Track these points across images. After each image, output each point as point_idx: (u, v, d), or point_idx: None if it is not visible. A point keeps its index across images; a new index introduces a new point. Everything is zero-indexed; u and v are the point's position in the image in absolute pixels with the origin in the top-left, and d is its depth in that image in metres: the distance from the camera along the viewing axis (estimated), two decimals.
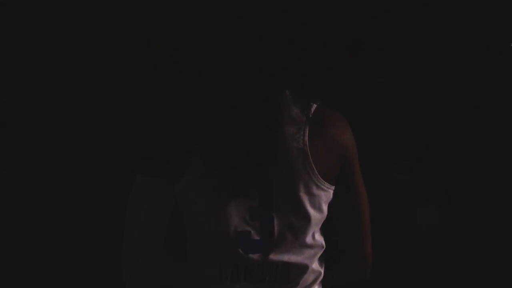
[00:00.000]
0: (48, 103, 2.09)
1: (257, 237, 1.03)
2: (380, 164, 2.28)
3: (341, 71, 2.04)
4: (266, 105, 1.01)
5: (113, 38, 2.07)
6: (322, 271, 1.14)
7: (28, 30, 2.10)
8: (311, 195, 1.04)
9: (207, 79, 1.04)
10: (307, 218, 1.05)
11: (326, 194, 1.07)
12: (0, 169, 2.07)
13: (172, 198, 1.03)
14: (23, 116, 2.11)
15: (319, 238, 1.12)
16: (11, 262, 2.06)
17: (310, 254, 1.09)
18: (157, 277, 1.06)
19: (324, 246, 1.13)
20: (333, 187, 1.08)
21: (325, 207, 1.09)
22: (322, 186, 1.06)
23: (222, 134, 1.00)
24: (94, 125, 2.04)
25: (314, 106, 1.08)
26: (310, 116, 1.05)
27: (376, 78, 2.23)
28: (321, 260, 1.14)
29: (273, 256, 1.04)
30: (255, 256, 1.04)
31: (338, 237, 1.15)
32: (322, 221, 1.11)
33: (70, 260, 2.12)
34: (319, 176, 1.04)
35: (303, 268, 1.08)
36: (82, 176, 2.12)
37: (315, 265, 1.11)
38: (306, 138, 1.04)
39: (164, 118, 1.02)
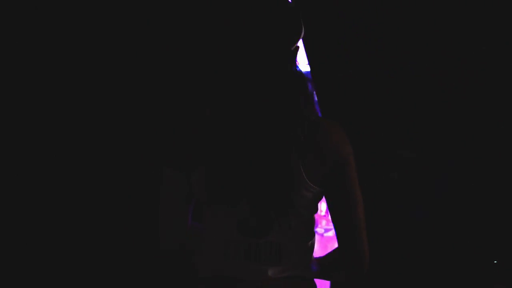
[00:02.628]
0: (58, 104, 2.13)
1: (254, 224, 1.23)
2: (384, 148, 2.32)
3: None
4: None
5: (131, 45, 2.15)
6: (312, 254, 1.35)
7: (27, 30, 2.11)
8: (301, 196, 1.21)
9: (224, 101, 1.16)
10: (297, 214, 1.24)
11: (314, 194, 1.24)
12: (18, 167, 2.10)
13: (190, 185, 1.25)
14: (34, 116, 2.13)
15: (310, 228, 1.31)
16: (11, 262, 2.07)
17: (301, 240, 1.29)
18: (181, 244, 1.32)
19: (315, 235, 1.31)
20: (321, 188, 1.23)
21: (314, 205, 1.27)
22: (310, 189, 1.21)
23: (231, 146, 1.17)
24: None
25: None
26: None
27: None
28: (311, 245, 1.33)
29: (269, 239, 1.24)
30: (253, 239, 1.24)
31: (336, 236, 1.28)
32: (312, 215, 1.30)
33: (70, 260, 2.13)
34: (307, 180, 1.19)
35: (293, 250, 1.27)
36: (84, 176, 2.15)
37: (305, 248, 1.31)
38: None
39: (184, 128, 1.22)
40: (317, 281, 1.39)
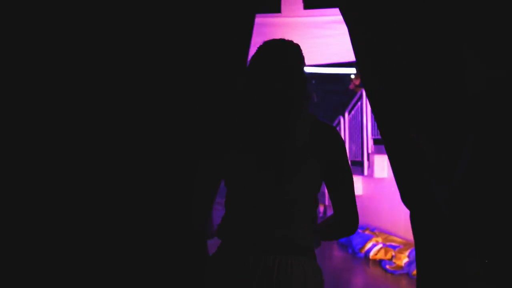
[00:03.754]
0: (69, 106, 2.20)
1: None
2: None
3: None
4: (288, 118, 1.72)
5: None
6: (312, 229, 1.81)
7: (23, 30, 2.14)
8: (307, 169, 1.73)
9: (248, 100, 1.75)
10: (303, 199, 1.76)
11: (315, 171, 1.74)
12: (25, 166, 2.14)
13: (219, 169, 1.78)
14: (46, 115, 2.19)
15: (313, 209, 1.81)
16: (11, 262, 2.09)
17: (306, 215, 1.79)
18: (209, 218, 1.94)
19: (317, 214, 1.84)
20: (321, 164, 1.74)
21: (315, 185, 1.77)
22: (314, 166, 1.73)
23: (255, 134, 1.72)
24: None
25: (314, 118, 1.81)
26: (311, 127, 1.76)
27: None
28: (314, 219, 1.82)
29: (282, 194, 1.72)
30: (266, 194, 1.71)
31: (334, 206, 1.82)
32: (314, 199, 1.81)
33: (70, 260, 2.16)
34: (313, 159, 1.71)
35: (298, 209, 1.75)
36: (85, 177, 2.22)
37: (309, 221, 1.79)
38: (307, 138, 1.72)
39: (214, 124, 1.92)
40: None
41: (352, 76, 10.06)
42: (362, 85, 8.73)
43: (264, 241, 1.69)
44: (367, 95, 2.50)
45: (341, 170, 1.78)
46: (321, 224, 1.89)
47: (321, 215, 10.46)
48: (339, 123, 9.37)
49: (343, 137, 9.15)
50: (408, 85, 2.30)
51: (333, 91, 23.06)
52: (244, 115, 1.74)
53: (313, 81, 25.00)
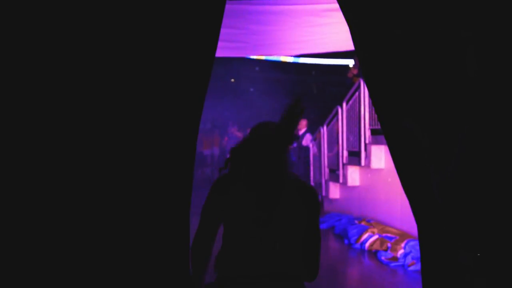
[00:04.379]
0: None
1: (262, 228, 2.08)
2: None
3: None
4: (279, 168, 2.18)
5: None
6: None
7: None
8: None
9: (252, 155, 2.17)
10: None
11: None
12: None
13: (222, 206, 2.15)
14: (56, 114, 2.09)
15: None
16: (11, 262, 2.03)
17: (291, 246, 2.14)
18: (209, 254, 2.16)
19: None
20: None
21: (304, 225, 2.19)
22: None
23: (256, 177, 2.14)
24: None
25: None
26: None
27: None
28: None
29: (269, 233, 2.08)
30: (260, 233, 2.06)
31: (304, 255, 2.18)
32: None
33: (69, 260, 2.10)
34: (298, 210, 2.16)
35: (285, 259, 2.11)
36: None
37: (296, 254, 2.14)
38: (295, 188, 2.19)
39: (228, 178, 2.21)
40: None
41: (351, 66, 10.00)
42: (360, 74, 8.73)
43: (258, 273, 2.06)
44: (365, 82, 2.46)
45: (316, 226, 2.22)
46: None
47: None
48: (336, 113, 9.33)
49: (340, 128, 9.21)
50: (407, 72, 2.26)
51: (332, 82, 23.17)
52: (247, 165, 2.17)
53: (313, 72, 25.11)
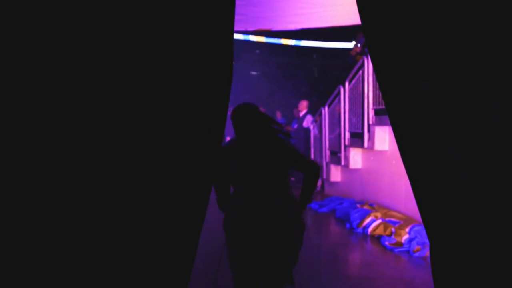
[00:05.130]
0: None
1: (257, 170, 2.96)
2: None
3: None
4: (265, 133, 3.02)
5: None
6: (289, 191, 3.03)
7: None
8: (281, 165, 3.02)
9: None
10: (281, 174, 3.02)
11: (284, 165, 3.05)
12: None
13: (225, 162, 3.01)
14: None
15: (287, 180, 3.06)
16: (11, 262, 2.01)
17: (284, 185, 3.01)
18: (229, 187, 3.13)
19: (290, 183, 3.08)
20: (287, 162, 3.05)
21: (287, 170, 3.03)
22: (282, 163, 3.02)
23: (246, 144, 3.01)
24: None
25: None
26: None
27: None
28: (287, 178, 3.05)
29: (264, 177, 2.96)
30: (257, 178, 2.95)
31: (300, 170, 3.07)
32: (287, 175, 3.05)
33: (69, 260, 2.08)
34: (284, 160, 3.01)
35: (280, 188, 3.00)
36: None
37: (284, 181, 3.01)
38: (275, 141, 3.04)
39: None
40: None
41: (353, 43, 9.65)
42: (364, 52, 8.39)
43: (261, 200, 2.93)
44: (370, 56, 2.19)
45: (295, 155, 3.05)
46: (301, 193, 3.12)
47: (319, 189, 10.30)
48: (338, 93, 8.99)
49: (342, 108, 8.88)
50: (420, 30, 1.97)
51: (334, 65, 23.05)
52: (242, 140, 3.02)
53: (314, 56, 24.90)
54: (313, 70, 25.72)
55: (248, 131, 2.94)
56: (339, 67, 21.51)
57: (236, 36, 17.59)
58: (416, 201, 2.13)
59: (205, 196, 2.19)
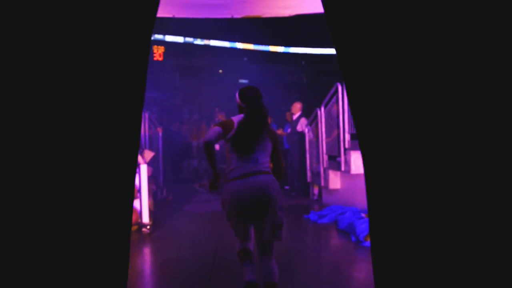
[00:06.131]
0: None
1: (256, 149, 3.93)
2: None
3: None
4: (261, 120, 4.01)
5: None
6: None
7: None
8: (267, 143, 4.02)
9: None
10: (265, 151, 3.98)
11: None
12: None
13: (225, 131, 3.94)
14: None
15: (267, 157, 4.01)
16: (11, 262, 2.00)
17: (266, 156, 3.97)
18: (214, 150, 4.04)
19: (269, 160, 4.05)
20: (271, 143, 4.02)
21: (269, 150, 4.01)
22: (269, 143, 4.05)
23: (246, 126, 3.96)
24: None
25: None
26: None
27: None
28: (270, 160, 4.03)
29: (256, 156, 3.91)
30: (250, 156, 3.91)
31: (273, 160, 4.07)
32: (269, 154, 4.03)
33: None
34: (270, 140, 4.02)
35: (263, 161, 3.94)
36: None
37: (268, 160, 3.96)
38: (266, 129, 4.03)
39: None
40: None
41: None
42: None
43: (251, 170, 3.78)
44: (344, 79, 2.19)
45: (278, 149, 3.98)
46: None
47: (316, 197, 9.61)
48: (336, 91, 8.33)
49: (340, 108, 8.20)
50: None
51: (323, 72, 22.79)
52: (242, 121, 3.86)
53: (303, 62, 24.59)
54: (301, 76, 25.51)
55: (259, 110, 3.84)
56: (329, 73, 21.21)
57: (223, 44, 17.15)
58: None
59: (128, 190, 2.22)
